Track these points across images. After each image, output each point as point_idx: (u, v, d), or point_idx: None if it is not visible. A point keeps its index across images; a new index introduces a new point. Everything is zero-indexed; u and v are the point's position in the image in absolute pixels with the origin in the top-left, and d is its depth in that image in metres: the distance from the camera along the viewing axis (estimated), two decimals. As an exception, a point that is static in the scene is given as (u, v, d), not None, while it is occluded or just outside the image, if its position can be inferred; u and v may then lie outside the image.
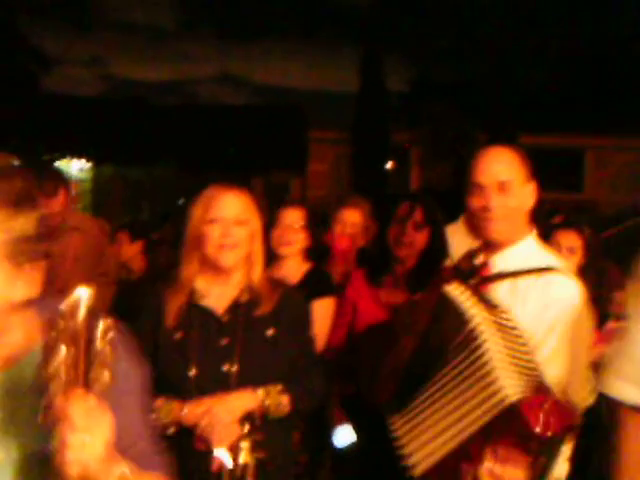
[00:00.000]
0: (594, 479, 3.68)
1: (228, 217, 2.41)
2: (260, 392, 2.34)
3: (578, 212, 6.51)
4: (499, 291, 2.25)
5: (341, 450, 3.29)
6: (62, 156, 18.40)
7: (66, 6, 25.59)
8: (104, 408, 1.25)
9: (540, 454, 1.95)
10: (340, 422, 3.27)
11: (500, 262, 2.31)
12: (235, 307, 2.42)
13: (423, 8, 18.77)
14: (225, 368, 2.33)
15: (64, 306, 1.21)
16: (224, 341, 2.35)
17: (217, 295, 2.38)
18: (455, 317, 2.13)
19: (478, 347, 2.04)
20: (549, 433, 1.90)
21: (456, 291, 2.17)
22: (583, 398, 2.17)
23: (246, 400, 2.31)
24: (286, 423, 2.49)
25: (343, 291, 3.38)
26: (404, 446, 2.19)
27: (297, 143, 20.21)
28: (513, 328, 2.10)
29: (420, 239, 3.16)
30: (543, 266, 2.27)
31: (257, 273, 2.46)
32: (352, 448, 3.26)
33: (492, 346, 2.03)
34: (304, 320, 2.58)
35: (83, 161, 19.20)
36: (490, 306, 2.14)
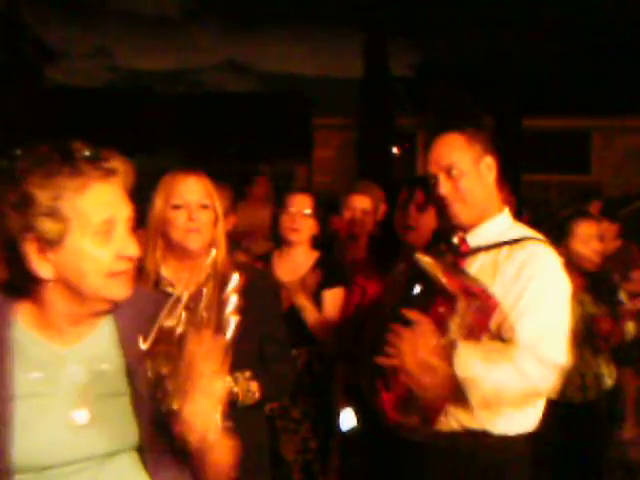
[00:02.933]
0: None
1: (192, 201, 2.41)
2: (228, 379, 2.29)
3: (586, 195, 6.46)
4: (475, 265, 2.28)
5: (348, 435, 3.30)
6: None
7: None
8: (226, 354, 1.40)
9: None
10: (343, 407, 3.28)
11: (474, 239, 2.35)
12: (201, 293, 2.42)
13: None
14: None
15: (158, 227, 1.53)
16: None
17: (183, 281, 2.35)
18: (420, 280, 2.17)
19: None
20: (450, 288, 2.03)
21: (424, 258, 2.21)
22: (558, 354, 2.14)
23: None
24: (257, 410, 2.48)
25: (352, 277, 3.37)
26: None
27: (302, 130, 20.15)
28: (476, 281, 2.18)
29: (426, 221, 3.15)
30: (517, 237, 2.30)
31: (221, 257, 2.44)
32: (360, 433, 3.27)
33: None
34: (273, 305, 2.58)
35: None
36: (459, 273, 2.19)
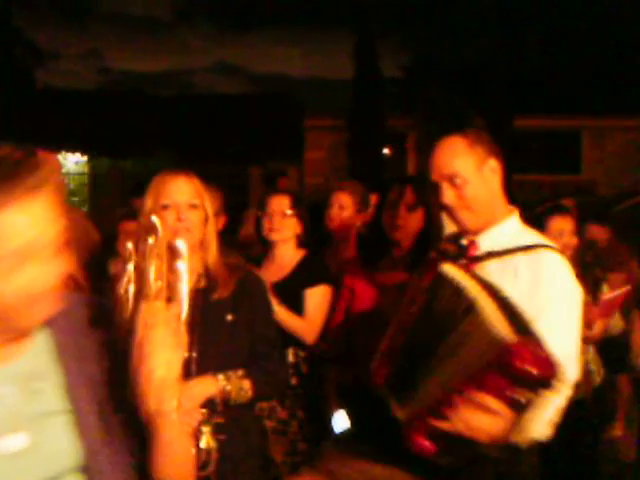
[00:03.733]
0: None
1: (181, 202, 2.40)
2: (221, 377, 2.34)
3: (577, 194, 6.52)
4: (488, 270, 2.23)
5: (338, 437, 3.30)
6: (57, 150, 18.35)
7: (62, 0, 25.48)
8: (181, 323, 1.34)
9: (522, 392, 1.88)
10: (336, 408, 3.28)
11: (484, 242, 2.30)
12: (193, 294, 2.39)
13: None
14: (185, 355, 2.31)
15: (148, 228, 1.35)
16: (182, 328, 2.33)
17: (173, 283, 2.39)
18: (453, 293, 2.06)
19: (470, 307, 1.95)
20: (534, 372, 1.83)
21: (451, 269, 2.12)
22: (577, 372, 2.14)
23: (206, 386, 2.32)
24: (249, 408, 2.50)
25: (341, 278, 3.38)
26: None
27: (293, 131, 20.17)
28: (509, 299, 2.02)
29: (414, 220, 3.17)
30: (531, 244, 2.25)
31: (212, 257, 2.45)
32: (350, 435, 3.27)
33: (489, 306, 1.93)
34: (264, 304, 2.58)
35: (78, 155, 19.14)
36: (484, 283, 2.08)
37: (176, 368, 1.32)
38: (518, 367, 1.80)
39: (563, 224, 3.82)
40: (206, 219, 2.45)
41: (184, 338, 1.36)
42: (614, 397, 5.09)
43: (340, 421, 3.29)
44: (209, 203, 2.48)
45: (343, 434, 3.27)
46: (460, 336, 1.96)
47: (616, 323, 4.10)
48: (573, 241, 3.82)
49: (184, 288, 1.36)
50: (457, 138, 2.31)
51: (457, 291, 2.04)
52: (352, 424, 3.27)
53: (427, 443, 2.01)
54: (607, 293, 3.95)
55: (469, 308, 1.96)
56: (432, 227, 3.17)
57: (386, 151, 20.07)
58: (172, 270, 1.35)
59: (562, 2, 17.81)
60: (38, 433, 1.34)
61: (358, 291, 3.24)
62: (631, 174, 18.09)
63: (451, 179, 2.27)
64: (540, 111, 18.98)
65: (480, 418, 1.86)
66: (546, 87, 19.03)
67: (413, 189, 3.20)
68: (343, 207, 3.84)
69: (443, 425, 1.93)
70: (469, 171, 2.26)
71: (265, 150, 19.15)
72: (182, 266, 1.36)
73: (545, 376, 1.83)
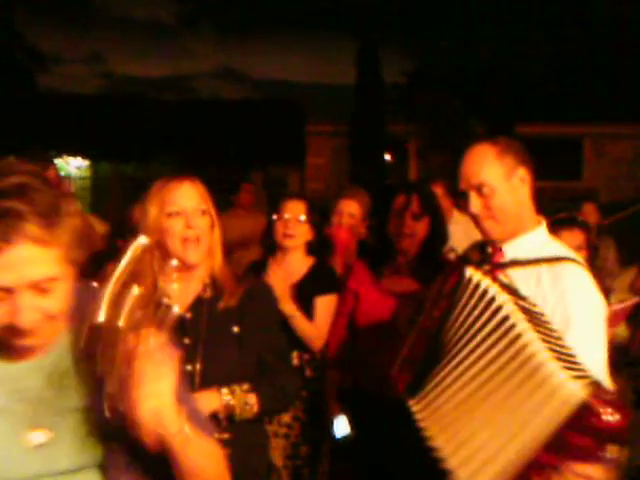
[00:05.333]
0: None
1: (188, 208, 2.29)
2: (225, 391, 2.23)
3: (577, 200, 6.53)
4: (511, 278, 2.20)
5: (339, 441, 3.29)
6: (59, 154, 18.36)
7: (64, 3, 25.52)
8: (172, 348, 1.29)
9: (612, 447, 1.72)
10: (337, 413, 3.28)
11: (510, 251, 2.27)
12: (198, 304, 2.31)
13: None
14: (189, 367, 2.21)
15: (130, 252, 1.28)
16: (186, 340, 2.23)
17: (179, 291, 2.20)
18: (481, 301, 1.98)
19: (518, 337, 1.84)
20: (621, 425, 1.69)
21: (477, 275, 2.04)
22: (606, 384, 2.04)
23: (209, 400, 2.20)
24: (256, 423, 2.38)
25: (345, 283, 3.38)
26: (442, 451, 1.95)
27: (295, 136, 20.16)
28: (541, 314, 1.98)
29: (420, 228, 3.18)
30: (555, 256, 2.22)
31: (218, 265, 2.35)
32: (351, 440, 3.26)
33: (533, 336, 1.82)
34: (272, 315, 2.46)
35: (80, 159, 19.15)
36: (511, 291, 2.02)
37: (168, 396, 1.28)
38: (603, 424, 1.67)
39: (571, 239, 3.75)
40: (213, 225, 2.35)
41: (173, 364, 1.30)
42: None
43: (341, 426, 3.28)
44: (213, 209, 2.37)
45: (344, 439, 3.27)
46: (508, 378, 1.83)
47: (621, 332, 4.09)
48: (581, 254, 3.78)
49: (172, 312, 1.28)
50: (486, 146, 2.28)
51: (484, 296, 1.97)
52: (353, 428, 3.26)
53: None
54: (615, 304, 3.94)
55: (503, 320, 1.88)
56: (437, 235, 3.18)
57: (388, 157, 20.09)
58: (160, 293, 1.30)
59: (565, 9, 17.82)
60: (60, 428, 1.37)
61: (363, 296, 3.25)
62: (632, 182, 18.10)
63: (479, 188, 2.24)
64: (541, 118, 18.99)
65: None
66: (547, 94, 19.04)
67: (419, 197, 3.21)
68: (353, 215, 3.85)
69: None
70: (497, 180, 2.23)
71: (267, 155, 19.13)
72: (171, 288, 1.33)
73: (626, 423, 1.70)
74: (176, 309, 1.28)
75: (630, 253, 5.51)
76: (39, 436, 1.36)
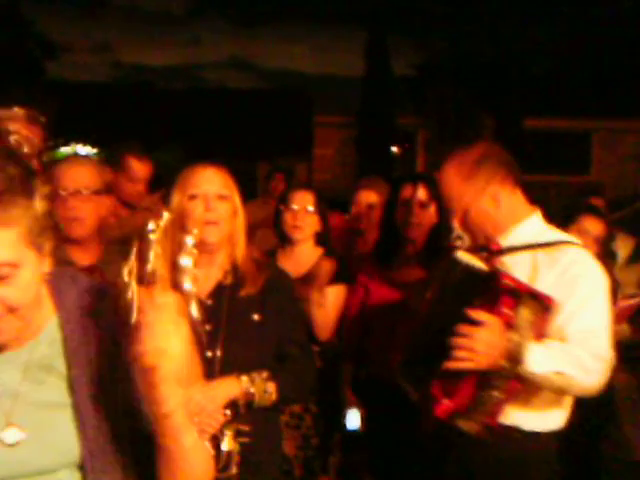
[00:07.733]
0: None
1: (209, 192, 2.31)
2: (244, 379, 2.23)
3: (585, 194, 6.51)
4: (511, 265, 2.26)
5: (351, 433, 3.31)
6: (66, 142, 18.38)
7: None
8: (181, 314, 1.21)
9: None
10: (351, 405, 3.29)
11: (506, 240, 2.33)
12: (219, 290, 2.33)
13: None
14: (209, 354, 2.22)
15: (152, 220, 1.24)
16: (207, 327, 2.21)
17: (201, 277, 2.18)
18: (463, 271, 2.15)
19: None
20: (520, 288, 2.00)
21: (463, 255, 2.19)
22: (607, 349, 2.16)
23: (229, 387, 2.21)
24: (273, 412, 2.39)
25: (355, 275, 3.38)
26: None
27: (302, 127, 20.15)
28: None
29: (428, 217, 3.19)
30: (553, 240, 2.29)
31: (240, 252, 2.36)
32: (362, 431, 3.28)
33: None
34: (292, 305, 2.47)
35: (89, 147, 19.17)
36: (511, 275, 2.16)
37: (176, 360, 1.19)
38: (508, 284, 2.00)
39: (592, 226, 3.69)
40: (235, 213, 2.36)
41: (185, 330, 1.22)
42: (620, 396, 5.08)
43: (353, 418, 3.29)
44: (237, 196, 2.39)
45: (356, 431, 3.28)
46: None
47: (624, 329, 4.09)
48: (592, 249, 3.75)
49: (187, 285, 1.25)
50: (451, 171, 2.35)
51: (468, 269, 2.13)
52: (366, 420, 3.28)
53: (446, 401, 2.06)
54: (621, 300, 3.93)
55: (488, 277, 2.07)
56: (444, 223, 3.19)
57: (395, 149, 20.07)
58: (176, 266, 1.26)
59: (574, 4, 17.76)
60: (37, 424, 1.29)
61: (372, 289, 3.25)
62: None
63: (455, 210, 2.35)
64: (550, 112, 18.93)
65: (478, 336, 1.97)
66: (556, 88, 18.97)
67: (425, 186, 3.22)
68: (372, 206, 3.84)
69: (450, 364, 2.01)
70: (467, 202, 2.31)
71: (274, 146, 19.13)
72: (186, 261, 1.26)
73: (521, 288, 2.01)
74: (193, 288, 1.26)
75: (637, 248, 5.48)
76: (14, 434, 1.28)
